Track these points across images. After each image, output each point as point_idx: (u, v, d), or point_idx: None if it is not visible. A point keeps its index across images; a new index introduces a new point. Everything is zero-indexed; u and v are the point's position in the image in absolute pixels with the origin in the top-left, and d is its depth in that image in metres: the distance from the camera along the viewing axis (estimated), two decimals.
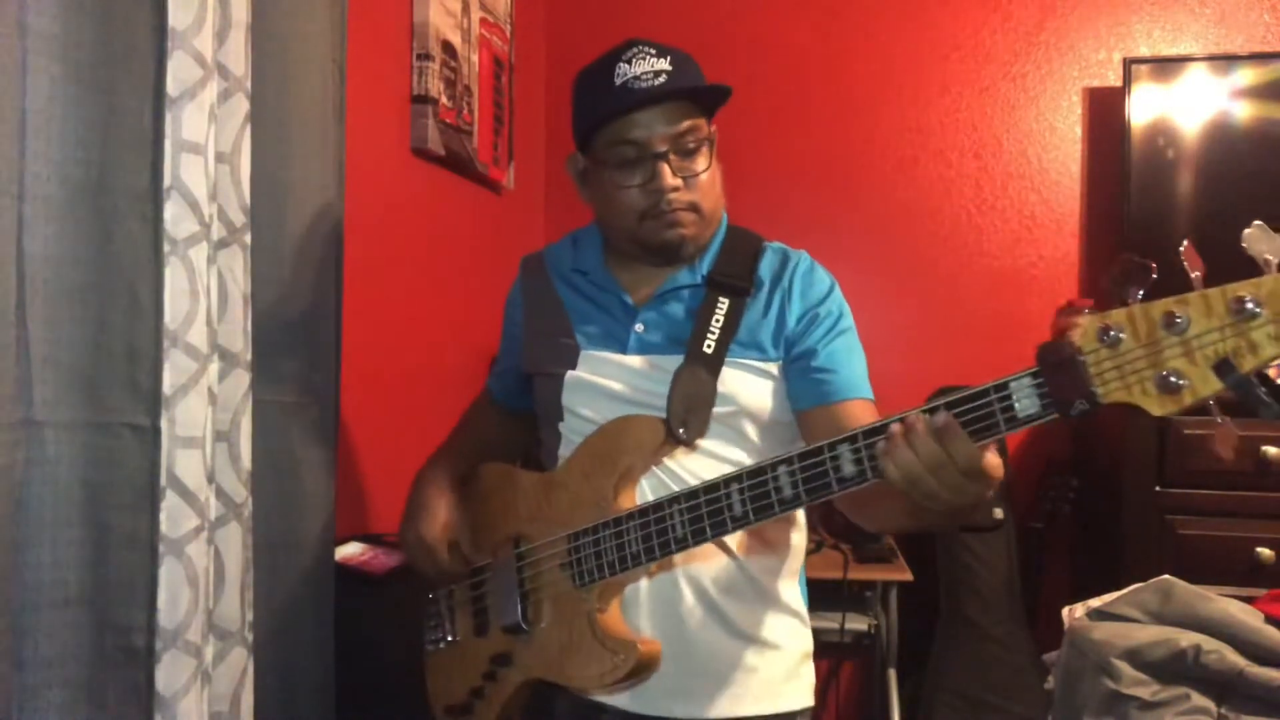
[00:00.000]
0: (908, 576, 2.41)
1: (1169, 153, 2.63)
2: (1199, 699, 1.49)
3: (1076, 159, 2.86)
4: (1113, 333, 0.81)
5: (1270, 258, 0.76)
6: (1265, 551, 2.16)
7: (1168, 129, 2.63)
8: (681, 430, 1.15)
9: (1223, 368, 0.77)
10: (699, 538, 1.05)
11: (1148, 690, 1.51)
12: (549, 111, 3.06)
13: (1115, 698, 1.52)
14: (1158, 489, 2.22)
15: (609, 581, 1.13)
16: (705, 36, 2.92)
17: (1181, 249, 0.83)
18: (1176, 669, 1.51)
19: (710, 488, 1.05)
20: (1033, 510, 2.66)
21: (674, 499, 1.07)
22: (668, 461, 1.19)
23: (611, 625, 1.14)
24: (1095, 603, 1.71)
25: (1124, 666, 1.53)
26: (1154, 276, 0.81)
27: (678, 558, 1.16)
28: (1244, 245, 0.78)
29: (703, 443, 1.19)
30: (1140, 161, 2.63)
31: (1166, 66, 2.66)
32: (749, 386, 1.20)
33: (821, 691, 2.88)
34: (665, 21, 2.97)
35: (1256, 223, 0.78)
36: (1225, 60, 2.65)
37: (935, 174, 2.92)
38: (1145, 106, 2.64)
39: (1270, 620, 1.55)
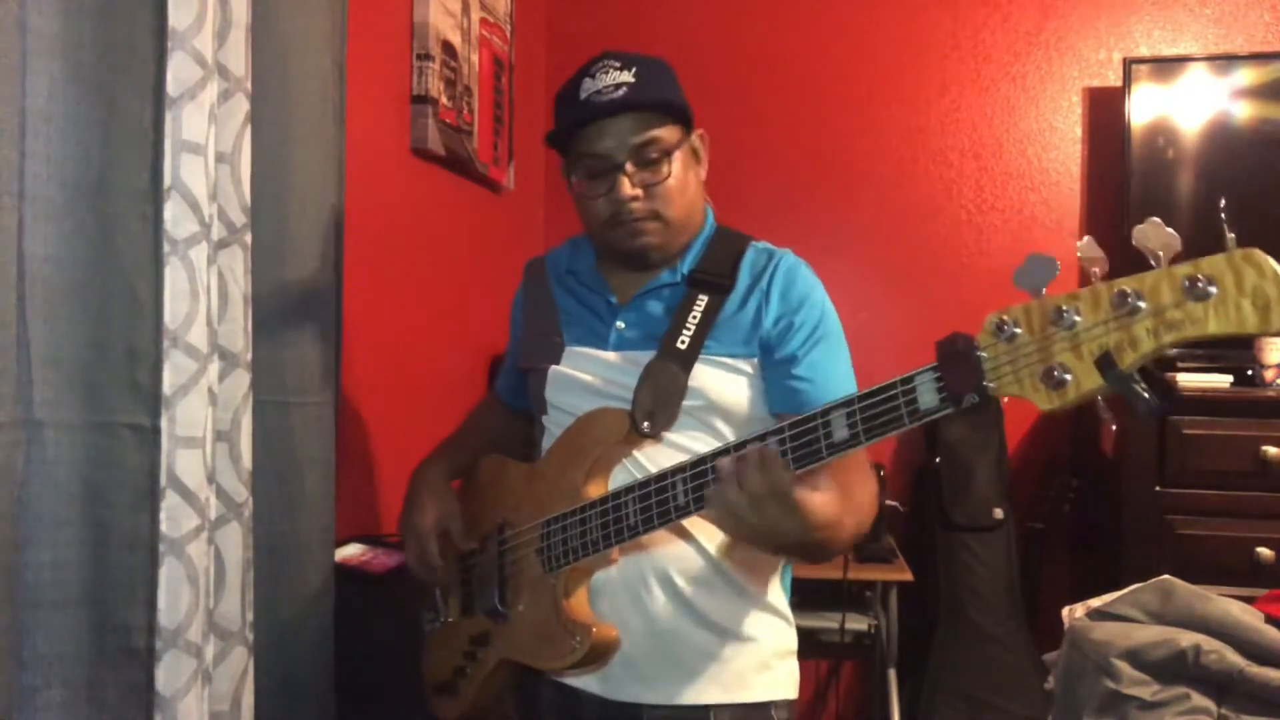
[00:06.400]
0: (908, 576, 2.41)
1: (1169, 153, 2.63)
2: (1199, 699, 1.49)
3: (1076, 159, 2.86)
4: (1008, 327, 0.82)
5: (1161, 253, 0.76)
6: (1265, 551, 2.16)
7: (1168, 129, 2.63)
8: (646, 423, 1.18)
9: (1104, 361, 0.76)
10: (648, 525, 1.08)
11: (1148, 690, 1.51)
12: (549, 111, 3.04)
13: (1115, 698, 1.52)
14: (1158, 489, 2.22)
15: (574, 567, 1.17)
16: (704, 37, 2.92)
17: (1079, 245, 0.83)
18: (1176, 669, 1.51)
19: (659, 477, 1.08)
20: (1033, 510, 2.66)
21: (630, 489, 1.10)
22: (639, 455, 1.21)
23: (574, 609, 1.18)
24: (1095, 603, 1.71)
25: (1124, 666, 1.53)
26: (1057, 271, 0.81)
27: (648, 549, 1.20)
28: (1134, 242, 0.78)
29: (674, 436, 1.21)
30: (1140, 161, 2.63)
31: (1166, 66, 2.66)
32: (721, 382, 1.22)
33: (821, 691, 2.88)
34: (664, 21, 2.97)
35: (1151, 219, 0.78)
36: (1225, 60, 2.65)
37: (935, 174, 2.92)
38: (1145, 106, 2.63)
39: (1270, 620, 1.55)
